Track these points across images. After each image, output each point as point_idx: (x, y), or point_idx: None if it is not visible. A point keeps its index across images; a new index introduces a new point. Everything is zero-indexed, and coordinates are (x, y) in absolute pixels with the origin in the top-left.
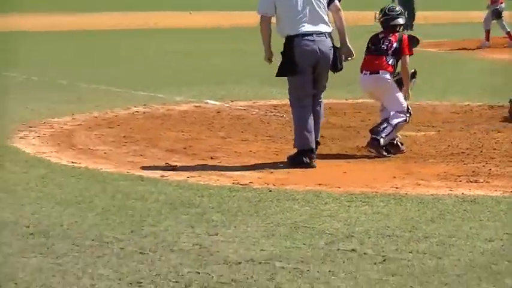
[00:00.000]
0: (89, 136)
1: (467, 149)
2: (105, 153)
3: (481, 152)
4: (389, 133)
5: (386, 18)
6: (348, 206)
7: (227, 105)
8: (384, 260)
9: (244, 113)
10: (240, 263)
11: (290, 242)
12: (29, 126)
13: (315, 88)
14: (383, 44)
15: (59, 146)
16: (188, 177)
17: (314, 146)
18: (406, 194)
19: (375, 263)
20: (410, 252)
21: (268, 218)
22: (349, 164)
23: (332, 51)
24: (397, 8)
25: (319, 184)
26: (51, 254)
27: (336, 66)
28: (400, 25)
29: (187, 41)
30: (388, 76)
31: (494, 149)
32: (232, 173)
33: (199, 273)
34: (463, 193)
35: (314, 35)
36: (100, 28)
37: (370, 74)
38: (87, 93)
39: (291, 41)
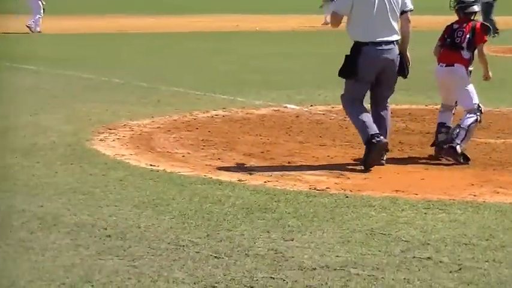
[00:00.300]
0: (168, 139)
1: None
2: (183, 156)
3: None
4: (464, 137)
5: (461, 6)
6: (425, 213)
7: (306, 109)
8: (460, 269)
9: (323, 117)
10: (314, 269)
11: (365, 249)
12: (109, 129)
13: (379, 93)
14: (457, 36)
15: (138, 149)
16: (265, 182)
17: (378, 131)
18: (484, 201)
19: (451, 272)
20: (486, 261)
21: (344, 224)
22: (426, 171)
23: (399, 58)
24: None
25: (396, 191)
26: (127, 256)
27: (404, 72)
28: (475, 12)
29: (268, 43)
30: (463, 70)
31: None
32: (310, 178)
33: (273, 278)
34: None
35: (383, 44)
36: (176, 30)
37: (446, 66)
38: (167, 96)
39: (358, 47)
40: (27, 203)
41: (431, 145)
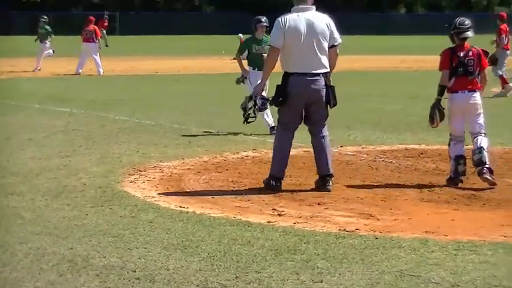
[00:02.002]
0: (198, 180)
1: None
2: (212, 197)
3: None
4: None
5: (457, 32)
6: (455, 255)
7: (336, 150)
8: None
9: (353, 158)
10: None
11: None
12: (139, 170)
13: (311, 123)
14: (469, 65)
15: (168, 190)
16: (294, 223)
17: (282, 176)
18: None
19: None
20: None
21: (374, 265)
22: (456, 212)
23: (325, 90)
24: (466, 22)
25: (426, 232)
26: None
27: (329, 102)
28: (468, 38)
29: None
30: (480, 95)
31: None
32: (339, 219)
33: None
34: None
35: (309, 75)
36: (210, 72)
37: (469, 91)
38: (197, 137)
39: (287, 77)
40: (57, 245)
41: (450, 179)
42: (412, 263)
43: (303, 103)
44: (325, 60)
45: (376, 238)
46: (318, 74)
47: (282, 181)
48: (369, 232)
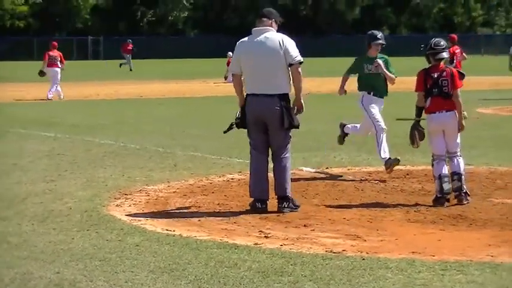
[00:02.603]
0: (184, 203)
1: None
2: (199, 220)
3: None
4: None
5: (432, 53)
6: (442, 275)
7: (322, 172)
8: None
9: (339, 180)
10: None
11: None
12: (125, 194)
13: (271, 143)
14: (443, 86)
15: (154, 214)
16: (281, 245)
17: (264, 197)
18: (501, 262)
19: None
20: None
21: (361, 286)
22: (443, 232)
23: (279, 111)
24: (442, 43)
25: (413, 252)
26: None
27: (283, 123)
28: (443, 59)
29: None
30: (456, 115)
31: None
32: (326, 240)
33: None
34: None
35: (262, 96)
36: (194, 95)
37: (446, 111)
38: (183, 160)
39: (246, 98)
40: (43, 270)
41: (436, 199)
42: (400, 283)
43: (261, 123)
44: (281, 81)
45: (363, 259)
46: (271, 95)
47: (268, 202)
48: (355, 253)
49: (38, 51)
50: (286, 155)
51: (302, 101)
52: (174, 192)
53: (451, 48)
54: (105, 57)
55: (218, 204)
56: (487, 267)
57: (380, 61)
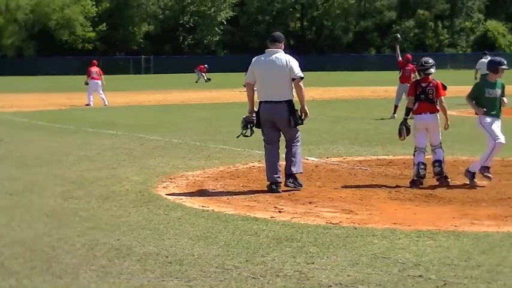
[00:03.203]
0: (216, 186)
1: None
2: (227, 198)
3: None
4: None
5: (422, 68)
6: (417, 241)
7: (323, 161)
8: (445, 284)
9: (336, 167)
10: (330, 286)
11: (370, 269)
12: (170, 178)
13: (284, 136)
14: (429, 93)
15: (192, 193)
16: (292, 218)
17: (278, 180)
18: (463, 231)
19: (437, 286)
20: (465, 278)
21: (354, 250)
22: (417, 207)
23: (287, 113)
24: (430, 61)
25: (394, 223)
26: (184, 278)
27: (290, 122)
28: (432, 73)
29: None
30: (438, 116)
31: None
32: (326, 214)
33: None
34: (508, 230)
35: (272, 103)
36: (224, 101)
37: (430, 113)
38: (215, 152)
39: (259, 104)
40: (107, 237)
41: (413, 182)
42: (384, 247)
43: (272, 123)
44: (287, 90)
45: (355, 229)
46: (280, 102)
47: (280, 185)
48: (349, 224)
49: (103, 68)
50: (297, 144)
51: (306, 109)
52: (208, 177)
53: (407, 65)
54: (155, 72)
55: (242, 186)
56: (451, 235)
57: (505, 99)
